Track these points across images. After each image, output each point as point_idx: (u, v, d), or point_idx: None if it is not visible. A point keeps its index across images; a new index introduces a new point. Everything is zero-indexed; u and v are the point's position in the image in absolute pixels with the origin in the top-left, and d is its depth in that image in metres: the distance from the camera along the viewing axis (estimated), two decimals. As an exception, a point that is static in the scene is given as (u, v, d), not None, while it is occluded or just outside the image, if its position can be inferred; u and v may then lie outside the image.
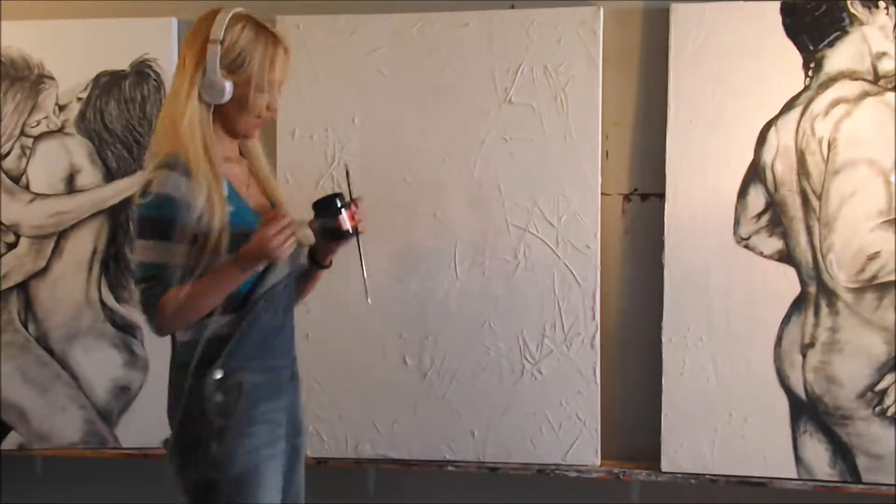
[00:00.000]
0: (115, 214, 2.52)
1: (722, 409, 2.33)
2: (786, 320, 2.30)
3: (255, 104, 1.75)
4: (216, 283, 1.68)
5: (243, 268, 1.68)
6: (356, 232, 1.80)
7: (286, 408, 1.84)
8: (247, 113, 1.75)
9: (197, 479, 1.74)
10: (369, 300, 1.88)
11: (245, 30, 1.72)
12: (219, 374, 1.71)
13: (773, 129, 2.28)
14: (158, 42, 2.48)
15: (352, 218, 1.79)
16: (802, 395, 2.31)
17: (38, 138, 2.52)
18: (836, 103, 2.24)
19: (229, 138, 1.79)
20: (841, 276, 2.27)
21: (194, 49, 1.71)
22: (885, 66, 2.22)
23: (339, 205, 1.77)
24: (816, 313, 2.28)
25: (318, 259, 1.91)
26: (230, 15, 1.71)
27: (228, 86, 1.71)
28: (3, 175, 2.53)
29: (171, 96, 1.73)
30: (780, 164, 2.28)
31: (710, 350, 2.33)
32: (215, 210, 1.67)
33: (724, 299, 2.31)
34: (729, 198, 2.31)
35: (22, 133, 2.52)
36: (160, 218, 1.65)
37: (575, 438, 2.40)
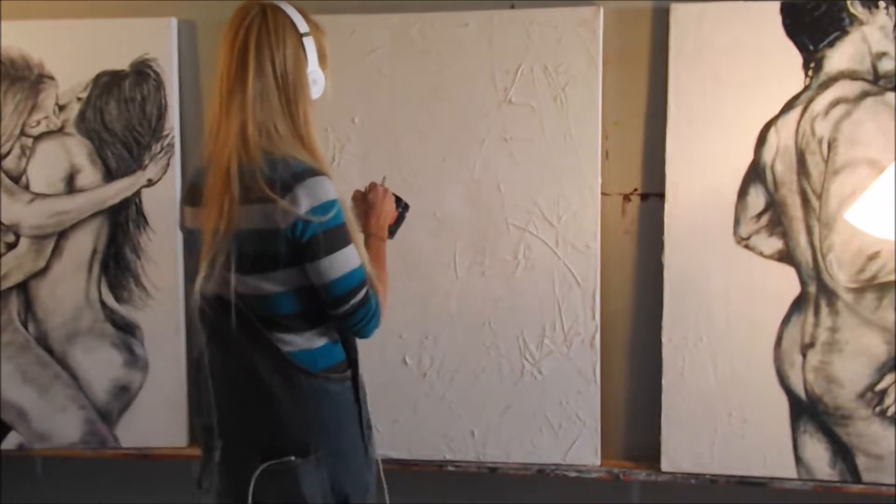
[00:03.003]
0: (115, 214, 2.52)
1: (722, 409, 2.33)
2: (786, 320, 2.30)
3: (327, 92, 1.73)
4: (381, 263, 1.75)
5: (382, 235, 1.78)
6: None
7: None
8: (315, 104, 1.71)
9: (358, 487, 1.71)
10: None
11: (309, 20, 1.69)
12: (361, 377, 1.72)
13: (773, 129, 2.28)
14: (158, 42, 2.48)
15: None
16: (802, 395, 2.31)
17: (38, 138, 2.52)
18: (836, 103, 2.24)
19: None
20: (841, 276, 2.27)
21: (290, 44, 1.62)
22: (885, 66, 2.22)
23: (405, 214, 1.92)
24: (816, 313, 2.28)
25: None
26: (291, 7, 1.66)
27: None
28: (3, 175, 2.53)
29: (300, 95, 1.63)
30: (780, 164, 2.28)
31: (710, 350, 2.33)
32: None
33: (724, 299, 2.31)
34: (729, 198, 2.31)
35: (22, 133, 2.52)
36: (343, 222, 1.62)
37: (575, 438, 2.40)
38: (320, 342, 1.68)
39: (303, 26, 1.65)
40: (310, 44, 1.65)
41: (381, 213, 1.81)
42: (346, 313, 1.63)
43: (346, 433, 1.69)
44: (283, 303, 1.65)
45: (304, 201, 1.56)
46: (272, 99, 1.60)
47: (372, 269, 1.67)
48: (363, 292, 1.63)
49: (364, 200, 1.83)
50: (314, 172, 1.59)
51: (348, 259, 1.61)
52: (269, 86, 1.60)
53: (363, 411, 1.71)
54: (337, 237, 1.60)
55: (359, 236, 1.68)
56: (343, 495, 1.69)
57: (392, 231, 1.91)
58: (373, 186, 1.84)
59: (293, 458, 1.63)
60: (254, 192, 1.57)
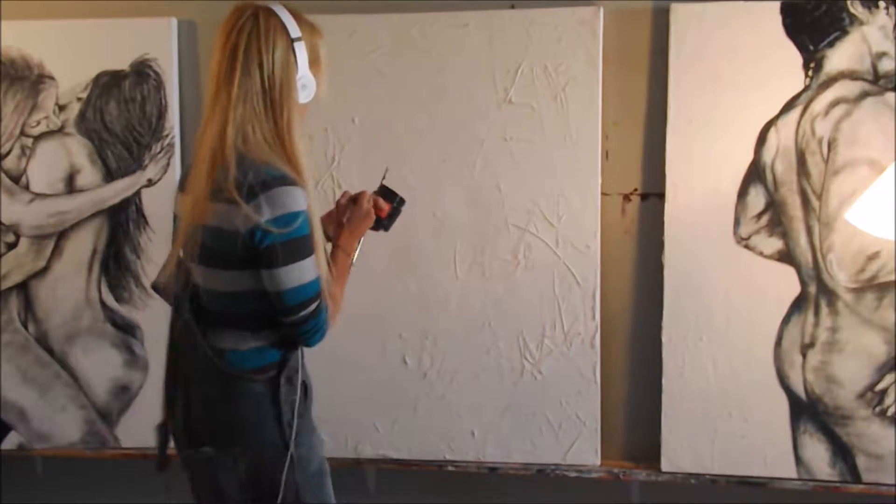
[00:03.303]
0: (115, 214, 2.52)
1: (722, 409, 2.33)
2: (786, 320, 2.30)
3: (321, 95, 1.72)
4: (343, 275, 1.76)
5: (349, 251, 1.78)
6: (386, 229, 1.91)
7: None
8: (307, 107, 1.71)
9: (274, 484, 1.70)
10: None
11: (304, 22, 1.68)
12: (287, 379, 1.71)
13: (773, 129, 2.28)
14: (158, 42, 2.48)
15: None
16: (802, 395, 2.31)
17: (38, 138, 2.52)
18: (836, 103, 2.24)
19: None
20: (841, 276, 2.27)
21: (280, 48, 1.62)
22: (885, 66, 2.22)
23: (399, 208, 1.90)
24: (816, 313, 2.28)
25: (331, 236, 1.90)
26: (285, 10, 1.66)
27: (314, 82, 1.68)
28: (3, 175, 2.53)
29: (286, 99, 1.62)
30: (780, 164, 2.28)
31: (710, 350, 2.33)
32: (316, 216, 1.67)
33: (724, 299, 2.31)
34: (729, 198, 2.31)
35: (22, 133, 2.52)
36: (306, 234, 1.62)
37: (575, 438, 2.40)
38: (254, 344, 1.70)
39: (294, 31, 1.65)
40: (301, 49, 1.65)
41: (355, 229, 1.81)
42: (295, 323, 1.66)
43: (266, 432, 1.70)
44: (230, 302, 1.68)
45: (267, 210, 1.57)
46: (256, 102, 1.62)
47: (328, 282, 1.68)
48: (314, 305, 1.65)
49: (347, 208, 1.82)
50: (284, 181, 1.59)
51: (305, 271, 1.62)
52: (255, 89, 1.61)
53: (283, 412, 1.70)
54: (296, 248, 1.61)
55: (322, 246, 1.67)
56: (258, 491, 1.71)
57: (386, 225, 1.90)
58: (360, 197, 1.82)
59: (208, 448, 1.70)
60: (223, 191, 1.60)
